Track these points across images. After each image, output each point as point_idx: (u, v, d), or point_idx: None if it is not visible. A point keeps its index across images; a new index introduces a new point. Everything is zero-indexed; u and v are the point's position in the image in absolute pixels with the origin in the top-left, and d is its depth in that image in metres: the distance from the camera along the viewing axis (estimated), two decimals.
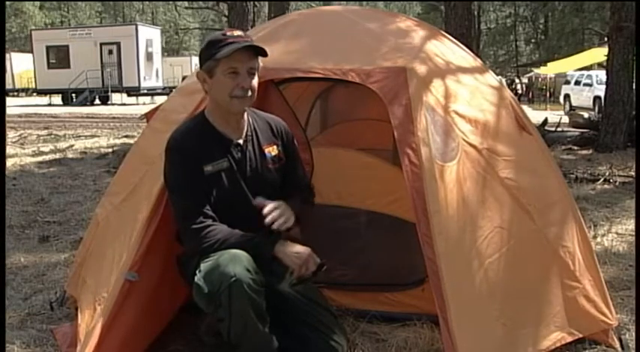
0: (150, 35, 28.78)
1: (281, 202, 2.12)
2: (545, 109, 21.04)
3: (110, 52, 27.63)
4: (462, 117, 2.33)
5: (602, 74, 14.21)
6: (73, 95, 27.65)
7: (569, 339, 2.26)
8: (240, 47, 2.01)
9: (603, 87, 10.10)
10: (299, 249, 2.08)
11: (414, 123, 2.12)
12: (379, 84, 2.23)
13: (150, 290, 2.29)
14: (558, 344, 2.21)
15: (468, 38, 7.90)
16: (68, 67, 27.52)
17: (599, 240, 4.08)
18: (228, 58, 2.02)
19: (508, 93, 2.86)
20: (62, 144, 10.43)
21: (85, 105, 26.42)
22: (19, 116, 19.01)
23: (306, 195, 2.38)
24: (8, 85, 31.61)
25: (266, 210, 2.04)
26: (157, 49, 29.42)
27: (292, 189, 2.31)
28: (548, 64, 27.48)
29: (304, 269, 2.04)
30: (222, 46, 2.02)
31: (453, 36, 3.34)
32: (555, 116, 14.13)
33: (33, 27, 38.82)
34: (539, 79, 27.50)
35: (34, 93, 31.44)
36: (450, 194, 2.10)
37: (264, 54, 2.10)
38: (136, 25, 28.75)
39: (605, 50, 9.90)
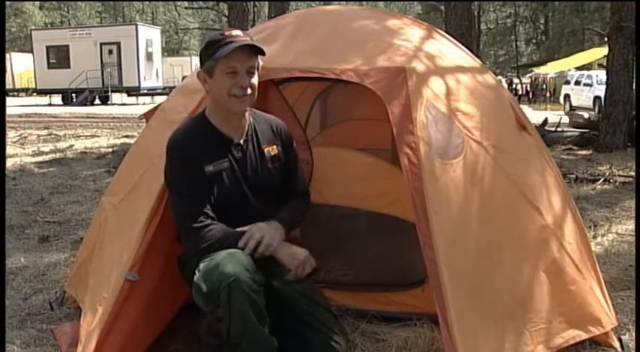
0: (150, 35, 28.78)
1: (259, 226, 2.08)
2: (545, 109, 21.04)
3: (110, 52, 27.63)
4: (464, 114, 2.32)
5: (602, 74, 14.20)
6: (73, 95, 27.65)
7: (585, 336, 2.24)
8: (238, 46, 2.02)
9: (603, 87, 10.09)
10: (298, 250, 2.11)
11: (413, 123, 2.11)
12: (378, 84, 2.22)
13: (150, 290, 2.29)
14: (572, 342, 2.19)
15: (468, 38, 7.91)
16: (68, 67, 27.51)
17: (599, 240, 4.07)
18: (226, 58, 2.03)
19: (507, 93, 2.86)
20: (62, 144, 10.42)
21: (85, 105, 26.41)
22: (19, 116, 19.01)
23: (303, 202, 2.38)
24: (8, 85, 31.61)
25: (241, 244, 2.02)
26: (157, 49, 29.43)
27: (289, 194, 2.32)
28: (548, 63, 27.46)
29: (301, 270, 2.09)
30: (220, 45, 2.03)
31: (453, 36, 3.34)
32: (555, 116, 14.11)
33: (33, 27, 38.81)
34: (540, 79, 27.49)
35: (34, 93, 31.41)
36: (452, 193, 2.09)
37: (263, 53, 2.10)
38: (136, 25, 28.76)
39: (605, 50, 9.90)
